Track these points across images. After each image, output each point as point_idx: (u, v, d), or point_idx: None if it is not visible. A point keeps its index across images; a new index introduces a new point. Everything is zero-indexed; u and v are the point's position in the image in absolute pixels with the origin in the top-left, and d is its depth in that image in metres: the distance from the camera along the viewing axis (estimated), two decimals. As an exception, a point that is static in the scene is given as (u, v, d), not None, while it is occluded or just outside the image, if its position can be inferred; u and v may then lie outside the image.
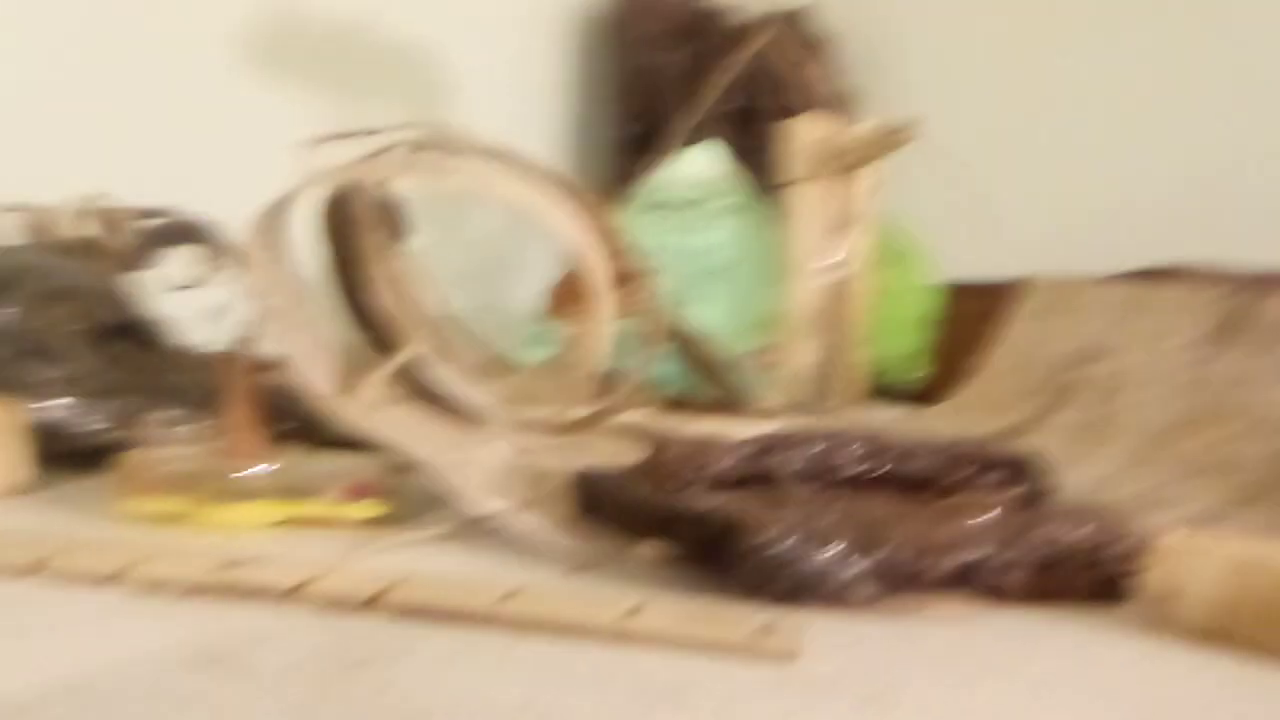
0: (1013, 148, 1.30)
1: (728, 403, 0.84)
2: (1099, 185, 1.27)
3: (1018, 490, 0.60)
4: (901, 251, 1.12)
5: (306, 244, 0.72)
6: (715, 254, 1.01)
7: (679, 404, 0.82)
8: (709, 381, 0.85)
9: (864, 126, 0.98)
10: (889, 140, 0.94)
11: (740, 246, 1.02)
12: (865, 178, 0.98)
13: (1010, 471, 0.61)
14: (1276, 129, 1.22)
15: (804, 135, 0.99)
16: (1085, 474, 0.79)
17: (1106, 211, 1.25)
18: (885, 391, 1.10)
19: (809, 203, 0.99)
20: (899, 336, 1.11)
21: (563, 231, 0.67)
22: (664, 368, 0.87)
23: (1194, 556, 0.52)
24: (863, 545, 0.52)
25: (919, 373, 1.11)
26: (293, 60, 1.17)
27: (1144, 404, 0.81)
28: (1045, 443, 0.85)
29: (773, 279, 1.00)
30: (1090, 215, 1.26)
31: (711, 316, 0.99)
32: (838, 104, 1.23)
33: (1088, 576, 0.55)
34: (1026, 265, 0.98)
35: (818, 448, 0.58)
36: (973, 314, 0.99)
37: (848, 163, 0.96)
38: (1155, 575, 0.53)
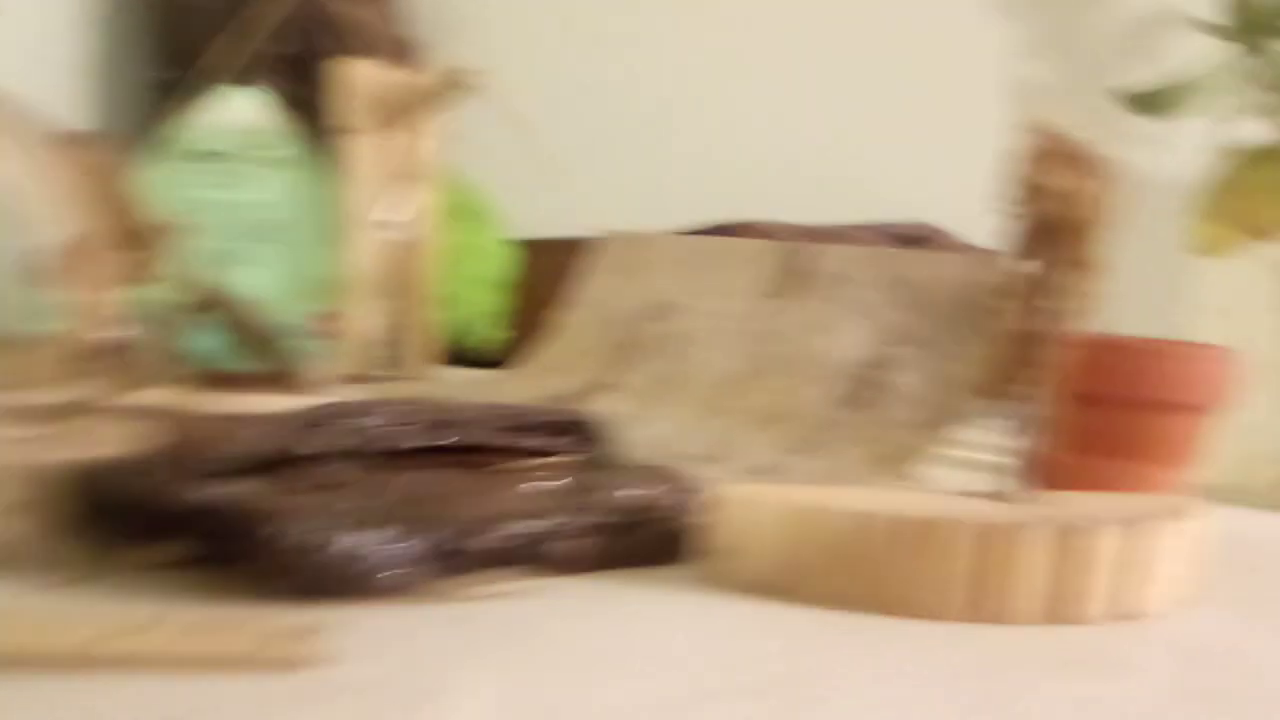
0: (587, 105, 1.28)
1: (277, 375, 0.78)
2: (671, 141, 1.26)
3: (584, 454, 0.56)
4: (474, 208, 1.07)
5: None
6: (264, 211, 0.94)
7: (220, 379, 0.75)
8: (255, 352, 0.79)
9: (424, 74, 0.93)
10: (449, 88, 0.89)
11: (292, 202, 0.94)
12: (427, 129, 0.93)
13: (576, 435, 0.57)
14: (830, 102, 1.24)
15: (360, 82, 0.93)
16: (656, 431, 0.78)
17: (679, 168, 1.24)
18: (463, 355, 1.06)
19: (367, 155, 0.93)
20: (476, 297, 1.07)
21: (43, 185, 0.59)
22: (204, 338, 0.80)
23: (751, 508, 0.50)
24: (409, 526, 0.47)
25: (498, 334, 1.07)
26: None
27: (711, 357, 0.80)
28: (618, 401, 0.83)
29: (331, 238, 0.94)
30: (663, 171, 1.24)
31: (262, 280, 0.92)
32: (403, 50, 1.17)
33: (654, 538, 0.53)
34: (601, 221, 0.95)
35: (366, 421, 0.53)
36: (551, 272, 0.96)
37: (407, 112, 0.91)
38: (716, 531, 0.51)
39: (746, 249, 0.83)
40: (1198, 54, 0.83)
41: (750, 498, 0.50)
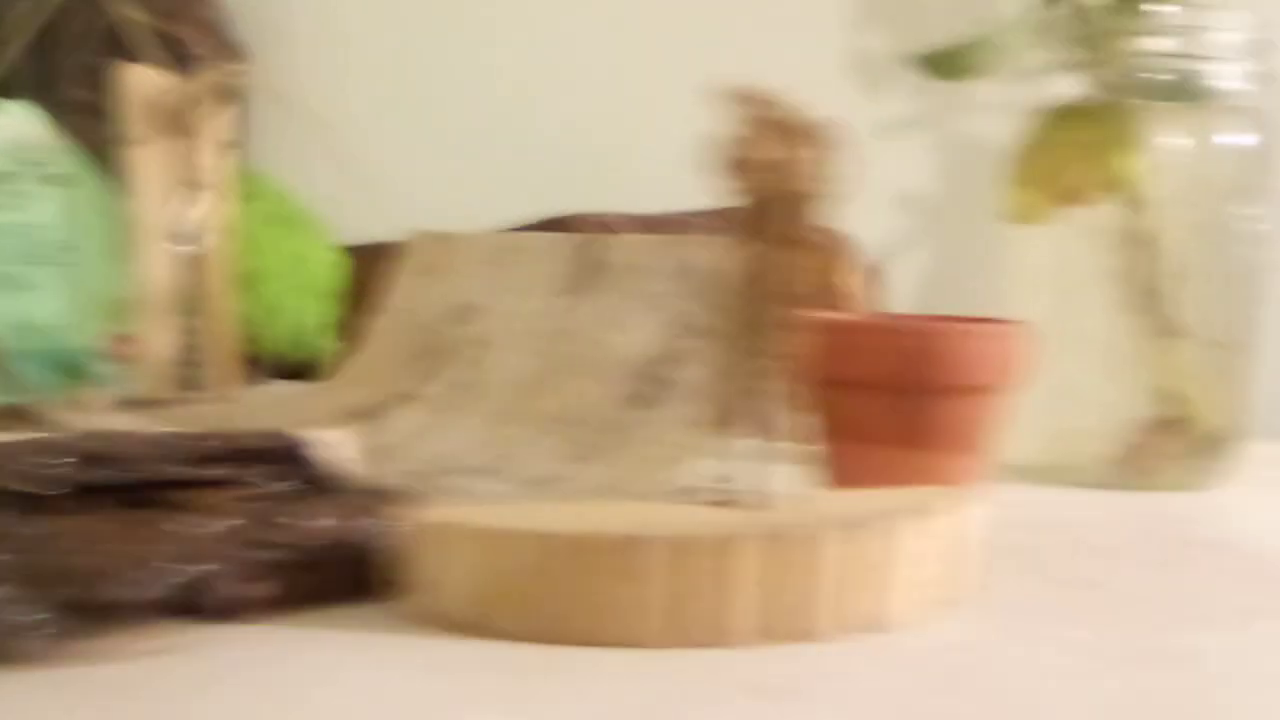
0: (419, 102, 1.22)
1: (14, 409, 0.72)
2: (509, 134, 1.20)
3: (284, 482, 0.51)
4: (297, 216, 1.02)
5: None
6: (45, 232, 0.88)
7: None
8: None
9: (196, 77, 0.87)
10: (220, 90, 0.83)
11: (75, 220, 0.89)
12: (208, 134, 0.87)
13: (275, 462, 0.52)
14: (669, 83, 1.18)
15: (137, 89, 0.87)
16: (446, 443, 0.73)
17: (519, 162, 1.19)
18: (293, 368, 1.01)
19: (151, 165, 0.87)
20: (304, 306, 1.01)
21: None
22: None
23: (443, 535, 0.45)
24: (39, 582, 0.42)
25: (326, 345, 1.02)
26: None
27: (507, 361, 0.75)
28: (416, 412, 0.78)
29: (117, 256, 0.88)
30: (504, 166, 1.19)
31: (48, 304, 0.86)
32: (225, 54, 1.12)
33: (347, 574, 0.47)
34: (435, 222, 0.90)
35: (13, 463, 0.47)
36: (378, 278, 0.91)
37: (185, 118, 0.85)
38: (413, 562, 0.45)
39: (543, 244, 0.79)
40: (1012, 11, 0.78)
41: (443, 523, 0.45)
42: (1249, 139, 0.74)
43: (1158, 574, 0.56)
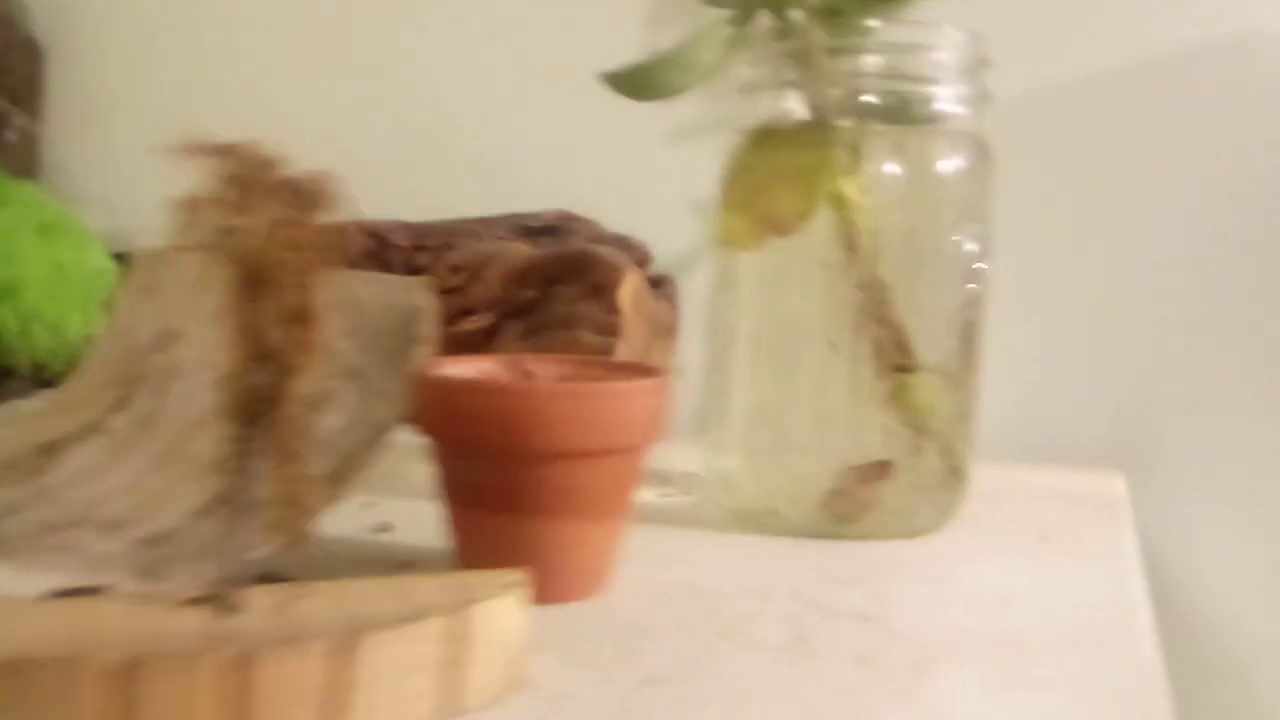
0: (198, 100, 1.17)
1: None
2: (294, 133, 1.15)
3: None
4: (53, 224, 0.98)
5: None
6: None
7: None
8: None
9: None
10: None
11: None
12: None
13: None
14: (459, 84, 1.13)
15: None
16: (104, 487, 0.68)
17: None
18: (52, 377, 0.97)
19: None
20: (61, 316, 0.97)
21: None
22: None
23: None
24: None
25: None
26: None
27: (189, 395, 0.70)
28: (98, 448, 0.73)
29: None
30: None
31: None
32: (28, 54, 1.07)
33: None
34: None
35: None
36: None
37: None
38: None
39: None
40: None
41: None
42: (964, 163, 0.68)
43: (760, 663, 0.50)
